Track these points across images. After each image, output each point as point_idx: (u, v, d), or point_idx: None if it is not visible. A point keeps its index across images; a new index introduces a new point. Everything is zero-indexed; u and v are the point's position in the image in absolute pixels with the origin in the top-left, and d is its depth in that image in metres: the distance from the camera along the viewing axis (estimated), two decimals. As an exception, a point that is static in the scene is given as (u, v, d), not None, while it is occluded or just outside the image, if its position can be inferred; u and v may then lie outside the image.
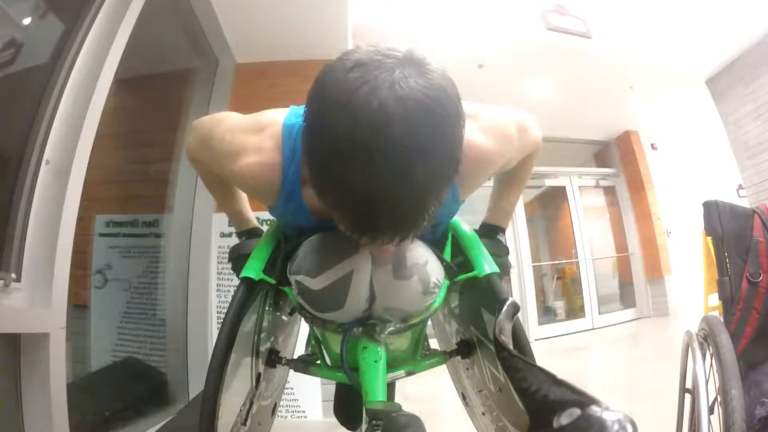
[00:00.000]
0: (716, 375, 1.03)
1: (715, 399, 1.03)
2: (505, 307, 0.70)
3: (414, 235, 0.56)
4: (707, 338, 1.14)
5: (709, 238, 1.33)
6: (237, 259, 1.02)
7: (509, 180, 0.99)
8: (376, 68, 0.50)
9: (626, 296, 6.34)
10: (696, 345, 1.18)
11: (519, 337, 0.73)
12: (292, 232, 0.85)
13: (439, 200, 0.54)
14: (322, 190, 0.54)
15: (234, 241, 1.09)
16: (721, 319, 1.21)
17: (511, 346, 0.71)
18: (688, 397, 1.24)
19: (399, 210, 0.51)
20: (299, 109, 0.72)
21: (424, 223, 0.55)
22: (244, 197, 1.05)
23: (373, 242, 0.57)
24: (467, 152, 0.70)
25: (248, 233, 1.07)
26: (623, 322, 5.94)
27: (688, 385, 1.20)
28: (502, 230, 1.02)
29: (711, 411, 1.03)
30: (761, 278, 1.21)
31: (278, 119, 0.73)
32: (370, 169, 0.48)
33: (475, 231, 0.96)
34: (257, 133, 0.72)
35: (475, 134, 0.70)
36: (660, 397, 1.48)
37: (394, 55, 0.52)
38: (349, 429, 1.13)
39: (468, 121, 0.70)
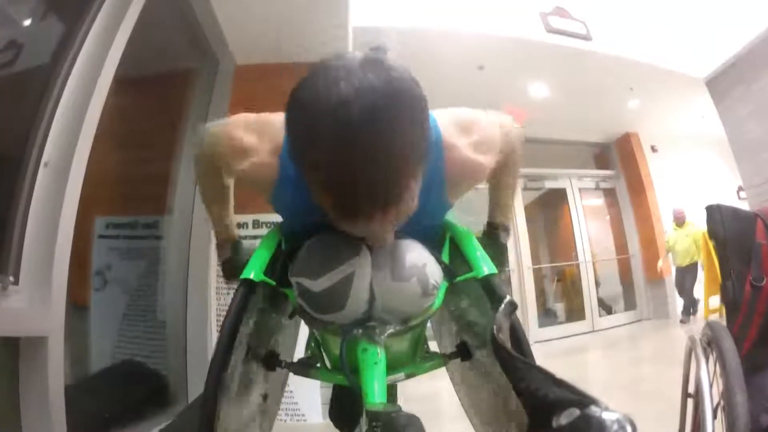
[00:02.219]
0: (719, 380, 1.02)
1: (719, 404, 1.02)
2: (502, 306, 0.70)
3: (396, 209, 0.58)
4: (710, 343, 1.13)
5: (711, 242, 1.32)
6: (228, 261, 1.06)
7: (500, 178, 1.00)
8: (337, 68, 0.56)
9: (627, 298, 6.35)
10: (699, 350, 1.18)
11: (518, 337, 0.73)
12: (294, 227, 0.86)
13: (413, 174, 0.57)
14: (299, 159, 0.59)
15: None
16: (724, 323, 1.21)
17: (509, 346, 0.71)
18: (690, 401, 1.24)
19: (373, 178, 0.53)
20: None
21: (403, 196, 0.57)
22: (232, 213, 1.07)
23: (357, 217, 0.57)
24: (457, 164, 0.76)
25: (233, 247, 1.08)
26: (623, 324, 5.94)
27: (691, 389, 1.20)
28: (504, 227, 1.04)
29: (714, 416, 1.02)
30: (764, 282, 1.20)
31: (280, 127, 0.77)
32: (336, 144, 0.53)
33: (481, 232, 1.01)
34: (261, 135, 0.77)
35: (465, 149, 0.76)
36: (660, 400, 1.48)
37: (355, 56, 0.57)
38: (342, 431, 1.13)
39: (459, 136, 0.76)
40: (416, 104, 0.57)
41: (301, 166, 0.58)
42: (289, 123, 0.58)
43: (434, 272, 0.76)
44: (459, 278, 0.83)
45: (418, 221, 0.77)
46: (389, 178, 0.54)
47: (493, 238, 1.03)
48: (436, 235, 0.90)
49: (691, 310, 5.46)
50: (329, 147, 0.53)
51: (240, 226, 2.57)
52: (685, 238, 5.47)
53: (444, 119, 0.77)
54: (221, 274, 1.13)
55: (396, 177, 0.55)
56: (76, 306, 2.42)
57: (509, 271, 5.37)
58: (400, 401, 0.74)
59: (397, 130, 0.54)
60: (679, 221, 5.63)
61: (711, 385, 1.09)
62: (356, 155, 0.52)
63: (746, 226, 1.28)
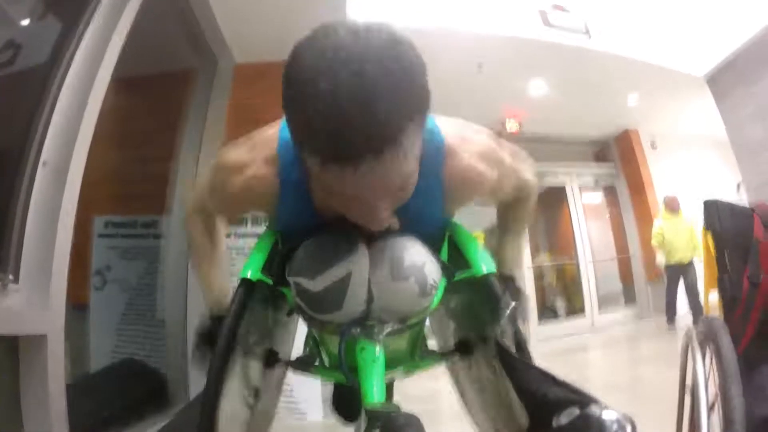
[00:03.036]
0: (716, 375, 1.03)
1: (716, 399, 1.03)
2: (509, 311, 0.70)
3: (392, 163, 0.55)
4: (707, 338, 1.14)
5: (709, 237, 1.33)
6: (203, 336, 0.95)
7: (508, 219, 1.00)
8: (339, 30, 0.55)
9: (627, 296, 6.36)
10: (696, 344, 1.18)
11: (518, 337, 0.73)
12: (291, 230, 0.85)
13: (409, 128, 0.54)
14: (290, 112, 0.56)
15: (233, 241, 1.08)
16: (722, 319, 1.21)
17: (509, 346, 0.71)
18: (688, 397, 1.24)
19: (367, 110, 0.51)
20: None
21: (399, 143, 0.54)
22: (222, 278, 1.02)
23: (347, 161, 0.54)
24: (458, 172, 0.74)
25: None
26: (624, 322, 5.95)
27: (689, 384, 1.20)
28: (512, 279, 1.01)
29: (711, 411, 1.03)
30: (761, 278, 1.21)
31: (272, 132, 0.76)
32: (332, 75, 0.51)
33: None
34: (252, 150, 0.75)
35: (468, 157, 0.74)
36: (660, 397, 1.48)
37: (358, 24, 0.56)
38: (346, 421, 1.13)
39: (463, 144, 0.74)
40: (416, 64, 0.55)
41: (293, 114, 0.56)
42: (286, 75, 0.56)
43: (433, 271, 0.76)
44: (458, 277, 0.83)
45: (415, 228, 0.77)
46: (384, 116, 0.52)
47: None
48: (435, 233, 0.90)
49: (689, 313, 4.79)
50: (322, 82, 0.51)
51: (239, 222, 2.58)
52: (683, 231, 4.92)
53: (449, 128, 0.76)
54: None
55: (391, 116, 0.52)
56: (75, 305, 2.42)
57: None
58: (399, 401, 0.74)
59: (394, 74, 0.52)
60: (673, 208, 5.11)
61: (707, 380, 1.09)
62: (350, 88, 0.51)
63: (743, 222, 1.28)
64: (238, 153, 0.76)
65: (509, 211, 0.98)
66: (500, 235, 1.03)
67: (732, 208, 1.33)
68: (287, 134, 0.66)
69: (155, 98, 2.83)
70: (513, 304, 0.72)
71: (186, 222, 0.96)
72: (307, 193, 0.74)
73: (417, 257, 0.75)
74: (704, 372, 1.11)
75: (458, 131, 0.76)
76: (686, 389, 1.26)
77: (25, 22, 1.59)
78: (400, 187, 0.60)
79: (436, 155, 0.72)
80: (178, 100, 2.86)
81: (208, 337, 0.92)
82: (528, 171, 0.89)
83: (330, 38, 0.54)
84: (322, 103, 0.51)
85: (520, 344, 0.73)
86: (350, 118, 0.51)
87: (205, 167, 0.86)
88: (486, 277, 0.79)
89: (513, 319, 0.72)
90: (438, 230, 0.89)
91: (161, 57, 2.69)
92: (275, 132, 0.75)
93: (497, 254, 1.01)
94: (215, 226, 0.96)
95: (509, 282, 0.98)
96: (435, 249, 0.83)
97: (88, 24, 1.49)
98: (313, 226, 0.77)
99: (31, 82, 1.41)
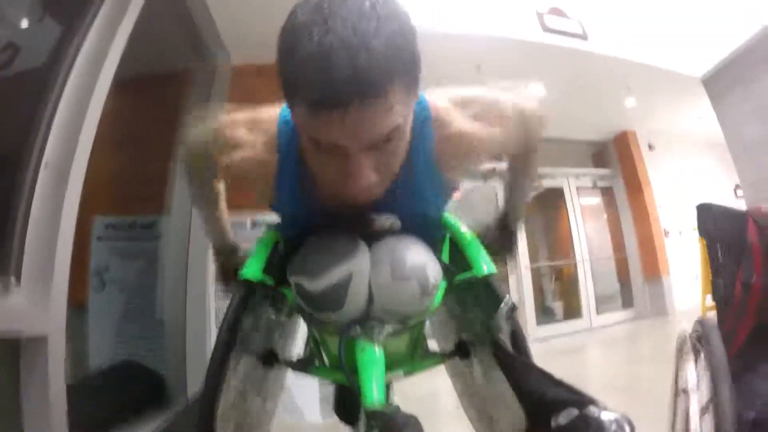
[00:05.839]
0: (709, 377, 1.03)
1: (709, 400, 1.03)
2: (501, 307, 0.71)
3: (378, 115, 0.57)
4: (700, 340, 1.14)
5: (703, 241, 1.33)
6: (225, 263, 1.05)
7: (513, 170, 1.00)
8: None
9: (625, 297, 6.36)
10: (689, 347, 1.19)
11: (518, 338, 0.73)
12: (292, 230, 0.86)
13: (397, 80, 0.56)
14: (284, 63, 0.58)
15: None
16: (716, 321, 1.22)
17: (509, 347, 0.72)
18: (681, 398, 1.25)
19: (352, 55, 0.53)
20: None
21: (385, 94, 0.55)
22: (225, 215, 1.06)
23: (332, 108, 0.55)
24: (448, 139, 0.73)
25: (230, 250, 1.08)
26: (621, 323, 5.95)
27: (682, 386, 1.21)
28: (513, 233, 1.06)
29: (704, 412, 1.03)
30: (754, 280, 1.21)
31: (274, 112, 0.78)
32: (323, 27, 0.53)
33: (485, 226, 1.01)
34: (252, 128, 0.77)
35: (459, 122, 0.74)
36: (658, 398, 1.49)
37: None
38: (347, 424, 1.13)
39: (454, 111, 0.74)
40: (409, 31, 0.58)
41: (285, 65, 0.58)
42: (282, 29, 0.59)
43: (434, 272, 0.76)
44: (459, 277, 0.83)
45: (412, 208, 0.77)
46: (373, 63, 0.53)
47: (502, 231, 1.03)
48: (435, 233, 0.90)
49: None
50: (315, 32, 0.53)
51: (238, 226, 2.58)
52: None
53: (440, 97, 0.76)
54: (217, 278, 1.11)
55: (379, 66, 0.54)
56: (75, 306, 2.42)
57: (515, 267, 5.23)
58: (398, 401, 0.74)
59: (387, 32, 0.54)
60: None
61: (699, 382, 1.10)
62: (343, 39, 0.53)
63: (737, 225, 1.29)
64: (239, 130, 0.78)
65: (513, 162, 0.97)
66: (510, 180, 1.02)
67: (726, 211, 1.34)
68: (287, 112, 0.68)
69: (154, 99, 2.83)
70: (509, 301, 0.72)
71: (183, 161, 0.95)
72: (305, 169, 0.75)
73: (418, 258, 0.75)
74: (695, 374, 1.11)
75: (452, 98, 0.76)
76: (679, 391, 1.27)
77: (27, 23, 1.59)
78: (386, 139, 0.60)
79: (422, 128, 0.73)
80: (176, 101, 2.86)
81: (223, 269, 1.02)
82: (536, 123, 0.85)
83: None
84: (314, 48, 0.53)
85: (521, 345, 0.73)
86: (339, 64, 0.52)
87: (208, 120, 0.85)
88: (487, 278, 0.79)
89: (509, 316, 0.72)
90: (439, 213, 0.89)
91: (159, 57, 2.69)
92: (276, 111, 0.77)
93: (505, 202, 1.04)
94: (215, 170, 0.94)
95: (509, 235, 1.03)
96: (436, 250, 0.83)
97: (90, 25, 1.49)
98: (311, 214, 0.78)
99: (32, 84, 1.41)
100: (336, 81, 0.53)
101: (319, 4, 0.55)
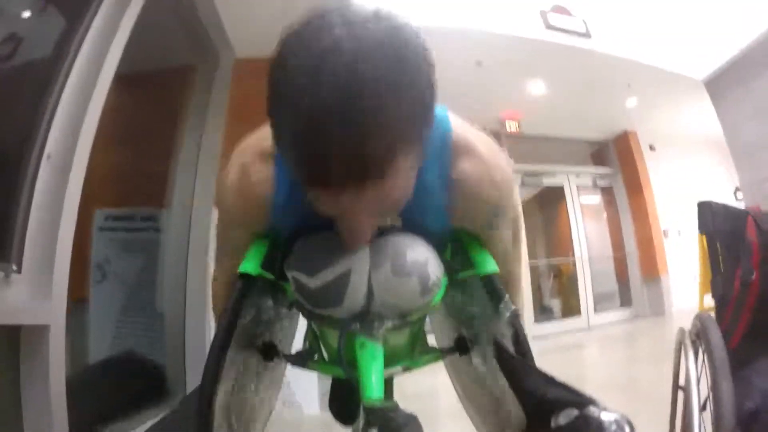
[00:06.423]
0: (708, 372, 1.04)
1: (708, 396, 1.04)
2: (503, 309, 0.70)
3: (376, 190, 0.50)
4: (699, 335, 1.15)
5: (704, 239, 1.34)
6: None
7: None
8: (333, 17, 0.49)
9: (623, 296, 6.38)
10: (688, 342, 1.20)
11: (519, 338, 0.72)
12: (290, 226, 0.85)
13: (403, 148, 0.49)
14: (275, 127, 0.52)
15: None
16: (714, 317, 1.23)
17: (510, 348, 0.71)
18: (681, 394, 1.25)
19: (349, 135, 0.45)
20: None
21: (386, 173, 0.49)
22: None
23: (328, 186, 0.50)
24: (471, 168, 0.70)
25: None
26: (619, 322, 5.97)
27: (682, 382, 1.21)
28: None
29: (703, 408, 1.04)
30: (753, 277, 1.22)
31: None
32: (317, 90, 0.45)
33: None
34: (244, 154, 0.74)
35: (481, 151, 0.70)
36: (656, 396, 1.50)
37: (362, 7, 0.51)
38: (343, 424, 1.13)
39: (473, 136, 0.70)
40: (421, 71, 0.50)
41: (276, 128, 0.51)
42: (270, 77, 0.50)
43: (435, 269, 0.74)
44: (460, 275, 0.82)
45: (412, 225, 0.75)
46: (369, 141, 0.46)
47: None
48: (438, 230, 0.90)
49: None
50: (303, 93, 0.45)
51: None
52: None
53: (456, 119, 0.72)
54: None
55: (378, 141, 0.46)
56: (75, 299, 2.43)
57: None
58: (398, 399, 0.74)
59: (386, 83, 0.46)
60: None
61: (699, 378, 1.10)
62: (335, 109, 0.45)
63: (737, 223, 1.29)
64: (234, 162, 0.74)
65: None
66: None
67: (726, 209, 1.34)
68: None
69: (156, 93, 2.83)
70: (512, 307, 0.71)
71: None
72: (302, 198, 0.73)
73: (419, 254, 0.73)
74: (695, 369, 1.12)
75: (467, 127, 0.72)
76: (679, 387, 1.28)
77: (29, 15, 1.59)
78: (388, 209, 0.57)
79: (441, 148, 0.69)
80: (179, 95, 2.86)
81: None
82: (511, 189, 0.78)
83: (320, 38, 0.47)
84: (304, 124, 0.46)
85: (522, 345, 0.72)
86: (332, 145, 0.46)
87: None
88: (489, 276, 0.77)
89: (511, 321, 0.71)
90: (440, 223, 0.84)
91: (162, 52, 2.69)
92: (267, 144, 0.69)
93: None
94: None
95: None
96: (438, 247, 0.81)
97: (93, 18, 1.49)
98: (309, 217, 0.77)
99: (35, 76, 1.41)
100: (328, 167, 0.47)
101: (308, 51, 0.47)
